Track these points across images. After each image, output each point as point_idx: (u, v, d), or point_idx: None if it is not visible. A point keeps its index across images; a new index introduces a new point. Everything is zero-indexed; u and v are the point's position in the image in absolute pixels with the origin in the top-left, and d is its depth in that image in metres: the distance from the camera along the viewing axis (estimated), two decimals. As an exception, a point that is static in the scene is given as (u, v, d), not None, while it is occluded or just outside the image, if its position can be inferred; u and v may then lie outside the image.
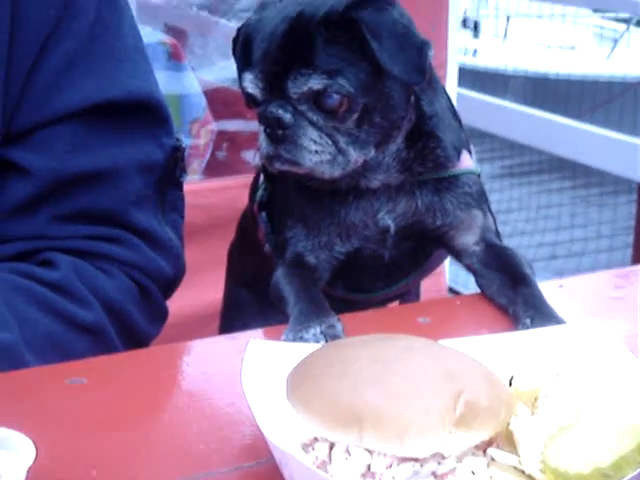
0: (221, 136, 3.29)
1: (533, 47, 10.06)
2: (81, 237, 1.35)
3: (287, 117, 1.27)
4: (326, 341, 1.19)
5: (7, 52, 1.27)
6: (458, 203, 1.37)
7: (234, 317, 1.68)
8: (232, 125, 3.32)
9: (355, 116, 1.28)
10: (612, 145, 4.37)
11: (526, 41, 10.11)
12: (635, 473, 0.83)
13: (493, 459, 0.89)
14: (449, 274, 2.94)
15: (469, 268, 1.39)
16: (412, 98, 1.34)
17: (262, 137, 1.30)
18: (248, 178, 2.97)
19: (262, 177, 1.52)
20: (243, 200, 2.84)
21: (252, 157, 3.08)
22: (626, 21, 11.88)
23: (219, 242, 2.40)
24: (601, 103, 7.79)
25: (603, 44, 12.21)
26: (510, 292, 1.30)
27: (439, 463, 0.87)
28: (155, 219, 1.42)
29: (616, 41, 11.95)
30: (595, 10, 11.20)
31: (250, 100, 1.32)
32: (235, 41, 1.37)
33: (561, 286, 1.38)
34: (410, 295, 1.59)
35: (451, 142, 1.38)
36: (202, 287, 2.44)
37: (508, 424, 0.90)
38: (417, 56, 1.28)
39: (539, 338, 1.06)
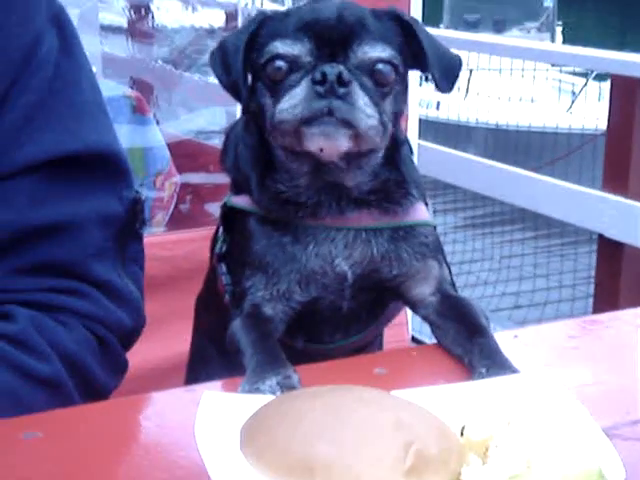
0: (185, 188, 3.31)
1: (494, 100, 10.22)
2: (40, 290, 1.35)
3: (347, 74, 1.27)
4: (282, 392, 1.19)
5: None
6: (414, 253, 1.39)
7: (199, 370, 1.68)
8: (195, 178, 3.34)
9: (392, 96, 1.33)
10: (572, 197, 4.43)
11: (487, 94, 10.27)
12: (584, 521, 0.85)
13: (444, 509, 0.89)
14: (412, 324, 2.96)
15: (425, 319, 1.41)
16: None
17: (302, 96, 1.27)
18: (211, 230, 2.99)
19: (221, 229, 1.53)
20: (206, 252, 2.85)
21: (215, 209, 3.10)
22: (584, 75, 12.11)
23: (182, 294, 2.40)
24: (561, 155, 7.90)
25: (562, 97, 12.43)
26: (466, 342, 1.32)
27: (390, 513, 0.88)
28: (115, 271, 1.43)
29: (574, 94, 12.17)
30: (553, 64, 11.41)
31: (276, 71, 1.30)
32: (218, 55, 1.38)
33: (516, 336, 1.40)
34: (373, 347, 1.60)
35: (415, 183, 1.41)
36: (164, 339, 2.44)
37: (459, 474, 0.91)
38: (453, 65, 1.38)
39: (491, 388, 1.08)
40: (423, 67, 1.37)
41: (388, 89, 1.31)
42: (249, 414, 0.95)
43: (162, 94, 3.99)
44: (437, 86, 1.37)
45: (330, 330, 1.47)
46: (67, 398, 1.35)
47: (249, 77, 1.36)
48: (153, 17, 4.27)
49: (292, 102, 1.28)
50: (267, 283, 1.38)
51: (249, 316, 1.38)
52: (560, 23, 17.22)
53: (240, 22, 3.22)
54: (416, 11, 2.99)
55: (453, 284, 1.43)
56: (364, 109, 1.27)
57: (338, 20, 1.30)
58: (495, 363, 1.25)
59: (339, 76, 1.26)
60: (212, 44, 3.90)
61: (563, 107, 11.74)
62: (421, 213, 1.42)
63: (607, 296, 4.39)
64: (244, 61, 1.34)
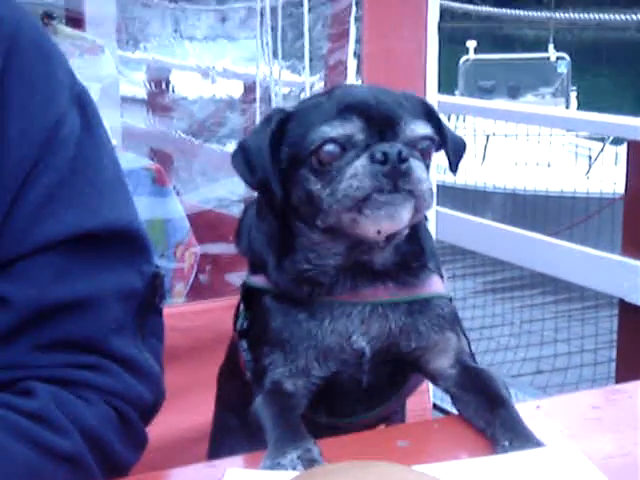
0: (204, 259, 3.33)
1: (511, 165, 10.26)
2: (60, 366, 1.36)
3: (405, 151, 1.30)
4: (303, 466, 1.19)
5: None
6: (431, 325, 1.39)
7: (222, 442, 1.68)
8: (215, 248, 3.36)
9: (429, 165, 1.38)
10: (591, 262, 4.42)
11: (504, 159, 10.31)
12: None
13: None
14: (433, 391, 2.94)
15: (446, 391, 1.40)
16: None
17: (364, 174, 1.30)
18: (231, 300, 2.99)
19: (242, 305, 1.53)
20: (226, 322, 2.85)
21: (235, 279, 3.11)
22: (601, 139, 12.17)
23: (203, 365, 2.40)
24: (580, 220, 7.90)
25: (578, 161, 12.47)
26: (488, 414, 1.31)
27: None
28: (134, 346, 1.43)
29: (590, 158, 12.22)
30: (568, 130, 11.47)
31: (327, 154, 1.33)
32: (239, 154, 1.41)
33: (538, 407, 1.39)
34: (395, 417, 1.59)
35: (431, 254, 1.42)
36: (185, 411, 2.44)
37: None
38: (460, 149, 1.48)
39: (515, 462, 1.07)
40: (438, 147, 1.43)
41: (428, 162, 1.36)
42: (272, 491, 0.94)
43: (182, 165, 4.03)
44: (450, 165, 1.45)
45: (351, 403, 1.47)
46: (88, 474, 1.35)
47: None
48: (172, 89, 4.33)
49: (354, 182, 1.30)
50: (285, 360, 1.39)
51: (270, 392, 1.38)
52: (575, 88, 17.33)
53: (258, 94, 3.25)
54: (432, 87, 3.02)
55: (472, 355, 1.42)
56: (423, 179, 1.31)
57: (377, 101, 1.33)
58: (518, 436, 1.24)
59: (399, 153, 1.29)
60: (231, 116, 3.95)
61: (580, 171, 11.77)
62: (437, 285, 1.42)
63: (630, 360, 4.35)
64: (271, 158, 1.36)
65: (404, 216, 1.31)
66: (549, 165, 10.92)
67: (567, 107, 15.94)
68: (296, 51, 3.29)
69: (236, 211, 3.81)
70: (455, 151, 1.45)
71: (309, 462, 1.19)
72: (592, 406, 1.42)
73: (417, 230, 1.43)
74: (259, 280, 1.45)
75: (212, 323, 2.68)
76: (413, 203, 1.30)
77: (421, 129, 1.34)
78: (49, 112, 1.34)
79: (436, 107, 3.19)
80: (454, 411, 1.39)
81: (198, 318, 2.75)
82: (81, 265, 1.36)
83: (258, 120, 3.22)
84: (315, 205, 1.34)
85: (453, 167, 1.45)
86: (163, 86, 4.34)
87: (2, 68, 1.32)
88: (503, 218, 6.34)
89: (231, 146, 3.94)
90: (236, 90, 4.05)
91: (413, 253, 1.42)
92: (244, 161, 1.40)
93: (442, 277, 1.44)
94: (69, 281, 1.35)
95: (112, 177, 1.41)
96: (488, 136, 10.50)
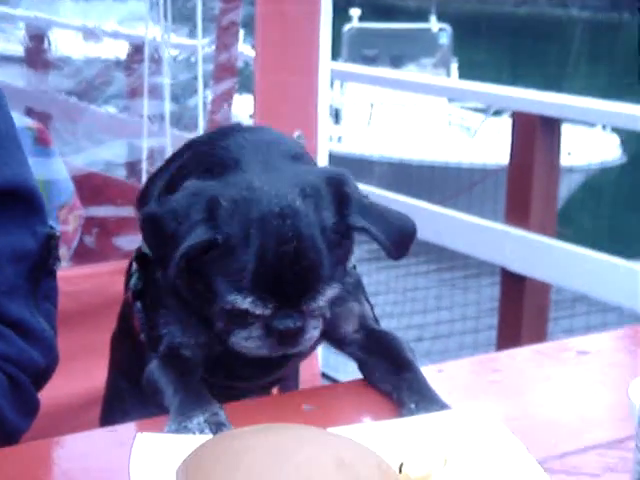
0: (90, 222, 3.25)
1: (396, 135, 10.35)
2: None
3: (301, 327, 1.27)
4: (211, 430, 1.17)
5: None
6: (335, 299, 1.38)
7: (115, 407, 1.64)
8: (102, 211, 3.29)
9: None
10: (476, 230, 4.50)
11: (389, 129, 10.40)
12: None
13: None
14: (323, 360, 2.95)
15: (351, 356, 1.40)
16: None
17: (259, 342, 1.27)
18: (120, 264, 2.93)
19: (136, 266, 1.49)
20: (115, 286, 2.79)
21: (123, 243, 3.05)
22: (482, 111, 12.39)
23: (90, 330, 2.35)
24: (463, 189, 8.03)
25: (461, 133, 12.68)
26: (394, 378, 1.31)
27: None
28: (27, 309, 1.39)
29: (470, 129, 12.45)
30: (450, 100, 11.65)
31: (237, 314, 1.26)
32: (149, 227, 1.30)
33: (441, 370, 1.40)
34: (290, 382, 1.59)
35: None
36: (73, 376, 2.38)
37: (400, 512, 0.90)
38: (408, 236, 1.32)
39: (426, 424, 1.07)
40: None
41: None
42: (184, 455, 0.92)
43: (64, 125, 3.92)
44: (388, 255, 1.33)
45: (250, 366, 1.45)
46: None
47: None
48: (54, 48, 4.21)
49: (250, 342, 1.28)
50: (184, 334, 1.36)
51: (167, 356, 1.35)
52: (455, 60, 17.56)
53: (147, 55, 3.18)
54: (325, 52, 3.00)
55: (376, 320, 1.42)
56: (311, 337, 1.29)
57: (294, 271, 1.24)
58: (424, 398, 1.25)
59: (298, 329, 1.27)
60: (118, 76, 3.86)
61: (462, 143, 11.97)
62: None
63: (510, 328, 4.46)
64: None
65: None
66: (432, 136, 11.06)
67: (448, 77, 16.15)
68: (187, 11, 3.24)
69: (121, 174, 3.74)
70: (395, 239, 1.30)
71: (216, 425, 1.17)
72: (493, 369, 1.44)
73: None
74: None
75: (100, 287, 2.63)
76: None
77: (328, 296, 1.27)
78: None
79: (328, 76, 3.18)
80: (342, 380, 1.39)
81: (85, 282, 2.69)
82: None
83: (146, 82, 3.16)
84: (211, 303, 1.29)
85: (392, 256, 1.31)
86: (44, 44, 4.21)
87: None
88: (388, 187, 6.37)
89: (112, 108, 3.87)
90: (123, 50, 3.96)
91: None
92: (153, 235, 1.30)
93: None
94: None
95: (4, 133, 1.36)
96: (372, 105, 10.56)
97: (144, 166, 3.20)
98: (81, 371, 2.35)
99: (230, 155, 1.32)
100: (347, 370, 4.25)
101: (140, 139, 3.24)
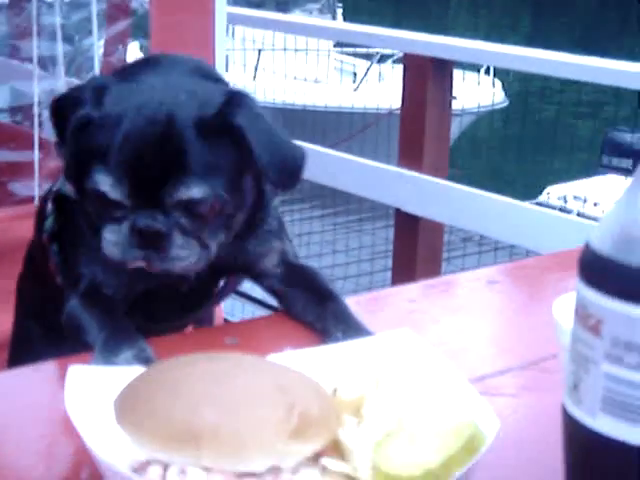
0: (-19, 168, 3.17)
1: (281, 80, 10.30)
2: None
3: (162, 228, 1.23)
4: (138, 364, 1.17)
5: None
6: (258, 242, 1.38)
7: (24, 349, 1.62)
8: (-6, 156, 3.20)
9: (222, 218, 1.26)
10: (370, 173, 4.53)
11: (274, 74, 10.34)
12: (462, 471, 0.87)
13: (325, 469, 0.90)
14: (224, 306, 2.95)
15: (269, 289, 1.41)
16: None
17: (120, 244, 1.24)
18: (16, 211, 2.87)
19: (50, 206, 1.47)
20: (10, 233, 2.74)
21: (20, 189, 2.98)
22: (365, 57, 12.45)
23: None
24: (355, 132, 8.07)
25: (344, 78, 12.73)
26: (317, 308, 1.33)
27: (275, 476, 0.88)
28: None
29: (355, 75, 12.52)
30: (335, 45, 11.66)
31: (102, 202, 1.24)
32: (74, 131, 1.26)
33: (358, 303, 1.42)
34: (204, 321, 1.59)
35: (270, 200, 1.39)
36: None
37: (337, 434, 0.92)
38: (295, 165, 1.27)
39: (354, 349, 1.09)
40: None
41: (213, 216, 1.26)
42: (121, 386, 0.92)
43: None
44: (274, 185, 1.33)
45: (167, 309, 1.45)
46: None
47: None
48: None
49: (113, 240, 1.25)
50: (105, 273, 1.34)
51: (88, 295, 1.33)
52: (340, 5, 17.54)
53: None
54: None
55: (296, 256, 1.43)
56: (179, 255, 1.25)
57: (155, 153, 1.21)
58: (350, 327, 1.27)
59: (156, 232, 1.23)
60: (5, 20, 3.74)
61: (348, 88, 12.00)
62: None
63: (405, 268, 4.52)
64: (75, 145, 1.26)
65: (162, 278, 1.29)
66: (317, 81, 11.07)
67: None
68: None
69: (11, 120, 3.64)
70: (281, 168, 1.26)
71: (145, 361, 1.17)
72: (409, 300, 1.47)
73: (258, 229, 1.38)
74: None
75: (-4, 234, 2.57)
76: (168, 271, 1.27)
77: (190, 193, 1.22)
78: None
79: (225, 19, 3.15)
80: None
81: (-19, 229, 2.63)
82: None
83: (35, 25, 3.07)
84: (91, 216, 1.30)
85: (278, 185, 1.31)
86: None
87: None
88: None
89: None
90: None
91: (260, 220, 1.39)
92: (56, 122, 1.30)
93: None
94: None
95: None
96: (260, 50, 10.48)
97: (36, 110, 3.12)
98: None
99: (136, 68, 1.35)
100: (246, 311, 4.24)
101: (30, 83, 3.16)
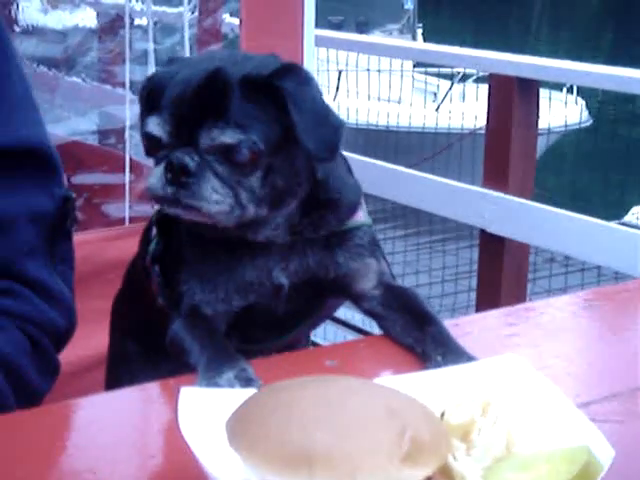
0: (75, 190, 3.23)
1: (363, 100, 10.34)
2: None
3: (192, 165, 1.27)
4: (240, 385, 1.18)
5: None
6: (351, 255, 1.40)
7: (122, 370, 1.66)
8: (87, 179, 3.27)
9: (259, 173, 1.30)
10: (454, 193, 4.52)
11: (356, 94, 10.38)
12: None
13: (435, 493, 0.90)
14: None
15: (369, 312, 1.42)
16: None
17: (157, 179, 1.29)
18: (108, 232, 2.92)
19: (154, 230, 1.51)
20: (103, 254, 2.79)
21: (112, 210, 3.04)
22: (447, 77, 12.42)
23: (79, 298, 2.35)
24: (438, 151, 8.05)
25: (427, 98, 12.71)
26: (416, 332, 1.33)
27: (387, 500, 0.88)
28: (46, 270, 1.40)
29: (435, 94, 12.48)
30: (415, 65, 11.66)
31: (152, 144, 1.32)
32: (143, 88, 1.37)
33: (457, 325, 1.42)
34: (300, 344, 1.60)
35: (347, 201, 1.41)
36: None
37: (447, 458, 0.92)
38: (332, 135, 1.31)
39: (461, 374, 1.09)
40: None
41: (249, 169, 1.29)
42: (231, 408, 0.94)
43: (43, 96, 3.88)
44: (311, 155, 1.33)
45: (265, 329, 1.47)
46: (4, 403, 1.31)
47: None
48: (19, 14, 4.15)
49: (151, 181, 1.31)
50: (204, 289, 1.37)
51: (190, 316, 1.36)
52: (420, 25, 17.56)
53: (127, 24, 3.16)
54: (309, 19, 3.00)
55: (393, 276, 1.44)
56: (208, 197, 1.28)
57: (198, 97, 1.28)
58: (450, 350, 1.27)
59: (184, 166, 1.27)
60: (97, 43, 3.83)
61: (429, 107, 11.98)
62: (355, 216, 1.42)
63: (490, 289, 4.49)
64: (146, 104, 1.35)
65: (196, 219, 1.31)
66: (400, 101, 11.07)
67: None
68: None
69: (104, 143, 3.72)
70: (319, 139, 1.29)
71: (246, 381, 1.19)
72: (507, 323, 1.46)
73: (324, 197, 1.39)
74: None
75: (89, 255, 2.62)
76: (200, 214, 1.30)
77: (225, 137, 1.27)
78: None
79: (313, 41, 3.17)
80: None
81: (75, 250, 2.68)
82: None
83: (127, 51, 3.14)
84: None
85: (316, 156, 1.32)
86: (11, 11, 4.15)
87: None
88: (354, 152, 6.37)
89: (91, 77, 3.83)
90: (101, 17, 3.92)
91: (323, 211, 1.39)
92: (146, 95, 1.37)
93: (360, 204, 1.44)
94: None
95: (21, 94, 1.37)
96: (341, 71, 10.54)
97: (128, 133, 3.18)
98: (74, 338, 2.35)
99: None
100: (337, 336, 4.25)
101: (122, 107, 3.22)
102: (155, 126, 1.30)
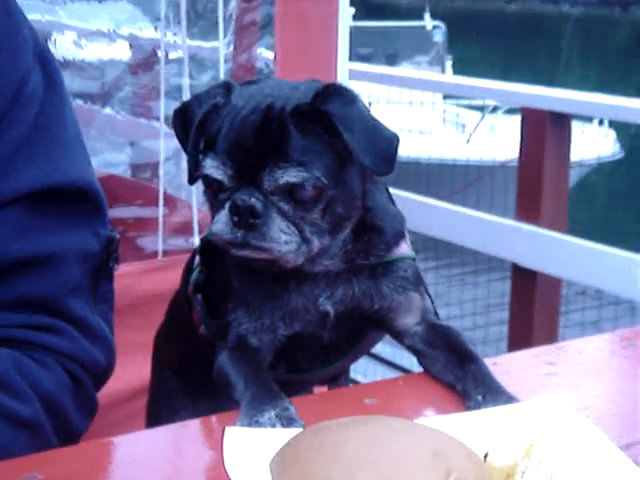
0: (113, 223, 3.26)
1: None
2: (18, 326, 1.33)
3: (259, 206, 1.28)
4: (282, 424, 1.19)
5: None
6: (395, 287, 1.40)
7: (162, 404, 1.67)
8: (122, 213, 3.30)
9: (320, 206, 1.30)
10: (486, 226, 4.52)
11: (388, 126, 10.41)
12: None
13: (480, 536, 0.90)
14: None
15: (410, 348, 1.42)
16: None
17: (223, 223, 1.30)
18: (142, 265, 2.94)
19: (197, 259, 1.52)
20: (137, 287, 2.80)
21: (147, 244, 3.06)
22: (477, 108, 12.43)
23: (115, 330, 2.36)
24: (470, 183, 8.04)
25: (453, 129, 12.73)
26: (457, 370, 1.33)
27: (431, 542, 0.88)
28: (88, 308, 1.41)
29: (464, 126, 12.48)
30: (445, 97, 11.68)
31: (210, 186, 1.32)
32: (179, 117, 1.37)
33: (495, 364, 1.42)
34: (342, 378, 1.61)
35: (392, 230, 1.41)
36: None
37: (490, 500, 0.92)
38: (387, 147, 1.31)
39: (504, 415, 1.09)
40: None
41: (312, 204, 1.30)
42: (275, 447, 0.94)
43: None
44: (371, 171, 1.34)
45: (310, 359, 1.48)
46: (45, 440, 1.33)
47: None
48: (56, 49, 4.20)
49: (217, 226, 1.31)
50: (250, 317, 1.38)
51: (236, 348, 1.37)
52: (450, 57, 17.61)
53: (162, 58, 3.19)
54: (343, 52, 3.02)
55: (436, 313, 1.44)
56: (278, 237, 1.29)
57: (257, 139, 1.29)
58: (490, 390, 1.27)
59: (251, 208, 1.28)
60: (132, 77, 3.87)
61: (458, 139, 11.99)
62: (399, 248, 1.43)
63: (522, 323, 4.48)
64: (198, 135, 1.34)
65: (265, 260, 1.32)
66: (430, 132, 11.10)
67: (443, 74, 16.18)
68: (197, 12, 3.24)
69: (138, 176, 3.74)
70: (377, 154, 1.29)
71: (288, 420, 1.19)
72: (546, 362, 1.46)
73: (370, 222, 1.39)
74: None
75: (125, 288, 2.63)
76: (269, 255, 1.30)
77: (289, 177, 1.27)
78: (15, 68, 1.33)
79: (347, 75, 3.18)
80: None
81: (110, 283, 2.70)
82: (43, 221, 1.34)
83: (162, 85, 3.17)
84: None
85: (376, 171, 1.32)
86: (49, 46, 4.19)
87: None
88: (391, 185, 6.37)
89: (126, 110, 3.87)
90: (136, 52, 3.96)
91: (370, 238, 1.39)
92: (181, 124, 1.38)
93: (404, 237, 1.45)
94: (31, 236, 1.33)
95: (73, 135, 1.40)
96: (370, 103, 10.58)
97: (161, 167, 3.21)
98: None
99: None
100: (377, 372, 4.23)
101: (157, 141, 3.25)
102: (214, 169, 1.30)
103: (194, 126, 1.33)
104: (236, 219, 1.29)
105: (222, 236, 1.30)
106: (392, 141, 1.32)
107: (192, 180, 1.38)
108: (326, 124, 1.29)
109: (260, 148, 1.28)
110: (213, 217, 1.35)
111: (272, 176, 1.28)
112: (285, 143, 1.28)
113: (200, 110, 1.35)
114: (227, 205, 1.30)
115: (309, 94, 1.31)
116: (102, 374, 1.44)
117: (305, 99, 1.31)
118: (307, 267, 1.36)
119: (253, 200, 1.28)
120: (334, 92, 1.32)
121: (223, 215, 1.30)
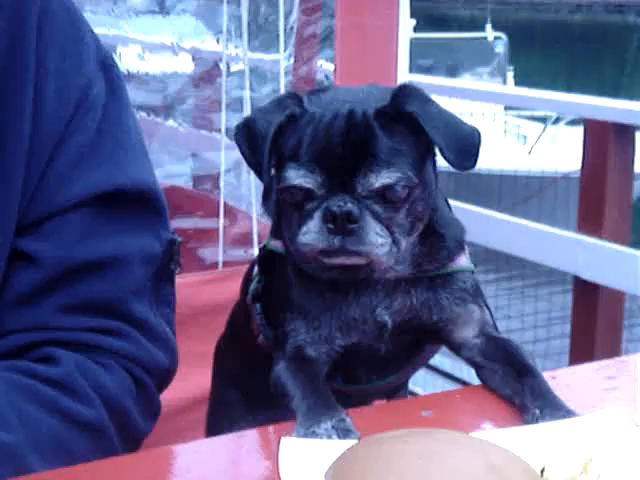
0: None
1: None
2: (82, 329, 1.35)
3: (355, 211, 1.28)
4: (338, 436, 1.19)
5: (28, 147, 1.30)
6: (454, 299, 1.40)
7: (221, 415, 1.68)
8: (183, 223, 3.33)
9: (407, 205, 1.31)
10: (547, 238, 4.48)
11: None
12: None
13: None
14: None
15: (469, 361, 1.41)
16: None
17: (317, 232, 1.29)
18: (203, 276, 2.96)
19: (256, 269, 1.53)
20: (197, 298, 2.83)
21: (207, 255, 3.09)
22: (538, 119, 12.32)
23: (178, 340, 2.39)
24: (530, 195, 7.99)
25: (514, 140, 12.64)
26: (515, 383, 1.32)
27: None
28: (151, 311, 1.43)
29: (525, 137, 12.39)
30: (506, 108, 11.61)
31: (296, 196, 1.32)
32: (243, 132, 1.36)
33: (554, 377, 1.40)
34: (399, 391, 1.60)
35: (453, 237, 1.42)
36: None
37: (547, 515, 0.92)
38: (470, 142, 1.33)
39: (562, 429, 1.08)
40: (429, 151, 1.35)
41: (400, 204, 1.31)
42: (330, 459, 0.95)
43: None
44: (453, 166, 1.33)
45: (367, 370, 1.48)
46: (108, 443, 1.34)
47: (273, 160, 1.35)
48: (121, 62, 4.25)
49: (308, 236, 1.30)
50: (308, 327, 1.39)
51: (293, 359, 1.38)
52: (511, 68, 17.51)
53: (224, 71, 3.22)
54: (403, 64, 3.03)
55: (495, 326, 1.43)
56: (375, 240, 1.29)
57: (345, 144, 1.30)
58: (548, 403, 1.26)
59: (348, 214, 1.28)
60: (195, 93, 3.91)
61: (519, 150, 11.91)
62: (459, 260, 1.43)
63: (584, 336, 4.43)
64: (271, 147, 1.33)
65: (358, 265, 1.32)
66: (492, 144, 11.04)
67: (504, 86, 16.10)
68: (258, 25, 3.27)
69: (199, 188, 3.78)
70: (459, 149, 1.30)
71: (344, 432, 1.19)
72: (606, 376, 1.44)
73: (434, 227, 1.40)
74: (281, 246, 1.45)
75: (185, 299, 2.65)
76: (364, 259, 1.30)
77: (382, 179, 1.28)
78: (80, 74, 1.37)
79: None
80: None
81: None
82: (106, 225, 1.37)
83: (223, 98, 3.20)
84: (289, 230, 1.36)
85: (457, 166, 1.32)
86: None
87: (37, 30, 1.33)
88: (451, 196, 6.34)
89: (188, 123, 3.90)
90: (198, 65, 4.00)
91: (432, 244, 1.40)
92: (246, 139, 1.37)
93: (464, 249, 1.44)
94: (96, 240, 1.36)
95: (135, 139, 1.43)
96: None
97: (222, 179, 3.24)
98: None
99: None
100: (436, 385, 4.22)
101: (218, 153, 3.28)
102: (303, 179, 1.30)
103: (268, 139, 1.32)
104: (331, 226, 1.29)
105: (316, 245, 1.30)
106: (474, 135, 1.34)
107: (268, 194, 1.38)
108: (408, 124, 1.30)
109: (349, 153, 1.29)
110: (288, 229, 1.35)
111: (367, 180, 1.29)
112: (374, 146, 1.29)
113: (271, 123, 1.34)
114: (318, 214, 1.29)
115: (385, 96, 1.33)
116: (165, 376, 1.46)
117: (382, 101, 1.32)
118: (380, 274, 1.36)
119: (349, 205, 1.28)
120: (411, 92, 1.33)
121: (314, 225, 1.30)
